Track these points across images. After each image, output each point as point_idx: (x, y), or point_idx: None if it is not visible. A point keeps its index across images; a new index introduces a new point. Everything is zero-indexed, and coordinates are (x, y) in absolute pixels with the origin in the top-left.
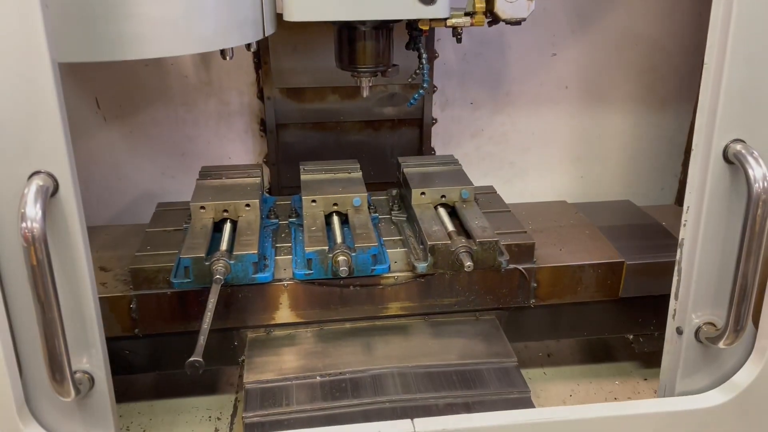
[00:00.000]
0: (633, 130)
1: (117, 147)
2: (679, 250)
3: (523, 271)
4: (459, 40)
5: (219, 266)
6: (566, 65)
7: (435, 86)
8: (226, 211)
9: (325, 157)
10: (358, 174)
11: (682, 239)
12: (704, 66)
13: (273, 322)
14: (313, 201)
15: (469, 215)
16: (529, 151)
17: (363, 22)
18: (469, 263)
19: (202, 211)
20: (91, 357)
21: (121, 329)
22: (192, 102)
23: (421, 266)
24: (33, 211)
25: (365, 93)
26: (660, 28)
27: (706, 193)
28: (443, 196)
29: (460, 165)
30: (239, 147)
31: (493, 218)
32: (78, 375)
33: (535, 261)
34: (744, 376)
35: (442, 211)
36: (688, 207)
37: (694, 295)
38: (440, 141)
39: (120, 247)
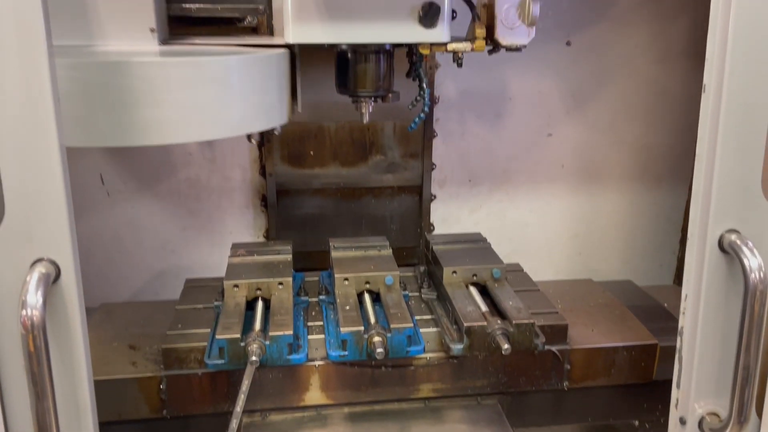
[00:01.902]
0: (630, 208)
1: (119, 222)
2: (678, 338)
3: (557, 352)
4: (460, 65)
5: (254, 347)
6: (562, 145)
7: (434, 164)
8: (259, 289)
9: (326, 224)
10: (388, 251)
11: (682, 327)
12: (696, 157)
13: (302, 404)
14: (346, 279)
15: (502, 295)
16: (527, 227)
17: (364, 46)
18: (506, 346)
19: (235, 289)
20: None
21: (149, 410)
22: (195, 177)
23: (457, 348)
24: (34, 299)
25: (365, 119)
26: (653, 108)
27: (703, 282)
28: (475, 275)
29: (488, 243)
30: (240, 221)
31: (524, 297)
32: None
33: (568, 342)
34: None
35: (473, 290)
36: (687, 295)
37: (696, 384)
38: (439, 217)
39: (149, 324)
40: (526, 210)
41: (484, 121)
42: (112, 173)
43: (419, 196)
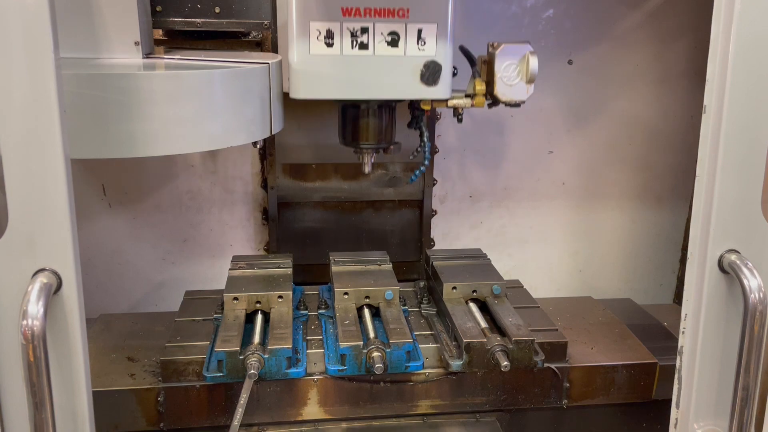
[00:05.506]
0: (630, 226)
1: (120, 233)
2: (678, 358)
3: (556, 370)
4: (460, 120)
5: (253, 361)
6: (563, 163)
7: (435, 179)
8: (258, 302)
9: (327, 237)
10: (389, 266)
11: (681, 347)
12: (696, 177)
13: (300, 419)
14: (346, 294)
15: (502, 312)
16: (528, 244)
17: (366, 101)
18: (506, 363)
19: (235, 302)
20: None
21: (146, 423)
22: (197, 190)
23: (456, 364)
24: (35, 309)
25: (367, 169)
26: (653, 127)
27: (703, 302)
28: (474, 291)
29: (488, 259)
30: (241, 234)
31: (523, 314)
32: None
33: (568, 360)
34: None
35: (473, 306)
36: (686, 314)
37: (696, 405)
38: (440, 232)
39: (148, 336)
40: (527, 227)
41: (485, 137)
42: (114, 184)
43: (420, 210)
